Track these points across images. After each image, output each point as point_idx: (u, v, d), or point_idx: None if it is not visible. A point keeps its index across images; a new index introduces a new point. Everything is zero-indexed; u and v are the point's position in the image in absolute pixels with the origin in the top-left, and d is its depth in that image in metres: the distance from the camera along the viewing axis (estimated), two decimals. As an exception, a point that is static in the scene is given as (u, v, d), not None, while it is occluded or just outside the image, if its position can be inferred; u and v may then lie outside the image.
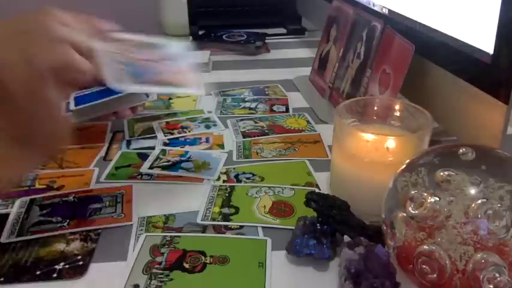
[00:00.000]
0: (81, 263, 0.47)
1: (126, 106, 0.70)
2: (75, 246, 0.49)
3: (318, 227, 0.47)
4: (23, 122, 0.40)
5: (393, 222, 0.42)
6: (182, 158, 0.67)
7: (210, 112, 0.83)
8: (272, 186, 0.59)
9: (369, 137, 0.52)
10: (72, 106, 0.65)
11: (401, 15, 0.69)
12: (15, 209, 0.55)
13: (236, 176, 0.62)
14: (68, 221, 0.53)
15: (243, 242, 0.50)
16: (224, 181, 0.61)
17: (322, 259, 0.46)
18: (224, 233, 0.51)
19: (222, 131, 0.76)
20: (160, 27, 1.42)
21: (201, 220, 0.53)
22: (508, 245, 0.36)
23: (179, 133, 0.75)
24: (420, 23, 0.64)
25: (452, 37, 0.57)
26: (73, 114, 0.67)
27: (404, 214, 0.40)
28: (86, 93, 0.70)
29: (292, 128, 0.76)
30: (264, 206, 0.56)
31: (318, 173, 0.63)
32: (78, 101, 0.66)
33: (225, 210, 0.55)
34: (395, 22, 0.70)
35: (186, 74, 0.57)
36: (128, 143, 0.72)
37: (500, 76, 0.49)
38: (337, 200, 0.48)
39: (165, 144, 0.71)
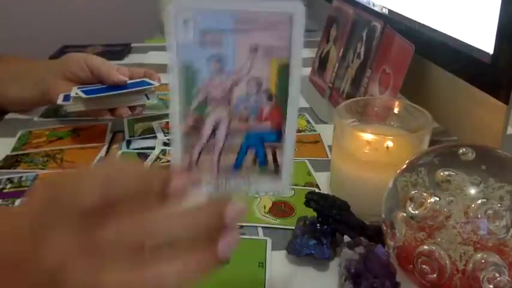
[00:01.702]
0: (81, 263, 0.47)
1: (126, 104, 0.71)
2: (75, 246, 0.49)
3: (318, 227, 0.47)
4: None
5: (393, 222, 0.42)
6: (182, 158, 0.66)
7: (210, 112, 0.83)
8: (272, 186, 0.59)
9: (368, 137, 0.52)
10: (82, 95, 0.67)
11: (401, 15, 0.69)
12: (15, 209, 0.55)
13: (236, 176, 0.62)
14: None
15: (243, 242, 0.50)
16: (224, 181, 0.61)
17: (322, 259, 0.46)
18: (224, 233, 0.51)
19: (222, 131, 0.75)
20: (160, 27, 1.42)
21: (201, 220, 0.53)
22: (508, 245, 0.36)
23: (179, 133, 0.75)
24: (420, 23, 0.64)
25: (452, 37, 0.57)
26: (78, 103, 0.68)
27: (404, 214, 0.40)
28: (93, 87, 0.71)
29: (292, 128, 0.76)
30: (264, 206, 0.55)
31: (318, 173, 0.63)
32: (87, 92, 0.68)
33: (225, 210, 0.55)
34: (395, 22, 0.70)
35: None
36: (128, 143, 0.72)
37: (500, 76, 0.49)
38: (337, 200, 0.48)
39: (165, 144, 0.71)
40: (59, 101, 0.69)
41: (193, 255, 0.30)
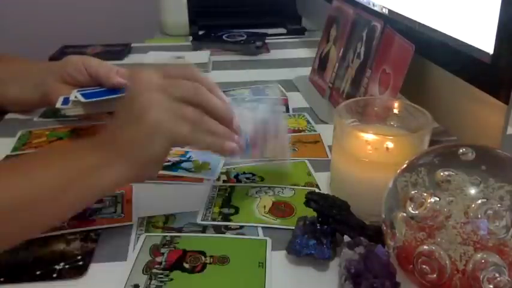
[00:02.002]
0: (81, 263, 0.47)
1: None
2: (75, 246, 0.49)
3: (318, 227, 0.47)
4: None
5: (393, 222, 0.42)
6: (182, 158, 0.67)
7: (210, 112, 0.83)
8: (272, 186, 0.59)
9: (369, 137, 0.52)
10: (81, 99, 0.68)
11: (401, 15, 0.69)
12: (15, 209, 0.55)
13: (236, 176, 0.62)
14: (67, 221, 0.53)
15: (243, 242, 0.50)
16: (224, 181, 0.61)
17: (322, 259, 0.46)
18: (224, 233, 0.51)
19: (222, 131, 0.75)
20: (160, 27, 1.43)
21: (201, 220, 0.53)
22: (508, 245, 0.36)
23: (179, 133, 0.75)
24: (420, 23, 0.64)
25: (452, 37, 0.57)
26: (77, 107, 0.68)
27: (404, 214, 0.40)
28: (92, 90, 0.71)
29: (292, 128, 0.76)
30: (264, 206, 0.55)
31: (318, 173, 0.63)
32: (86, 96, 0.68)
33: (225, 210, 0.55)
34: (395, 22, 0.70)
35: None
36: (128, 143, 0.71)
37: (500, 76, 0.49)
38: (337, 200, 0.48)
39: (165, 144, 0.71)
40: (58, 104, 0.69)
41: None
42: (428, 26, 0.62)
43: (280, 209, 0.55)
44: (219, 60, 1.13)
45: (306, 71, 0.98)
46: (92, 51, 1.15)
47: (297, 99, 0.88)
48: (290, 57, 1.16)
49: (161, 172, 0.63)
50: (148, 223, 0.53)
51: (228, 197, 0.57)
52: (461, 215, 0.38)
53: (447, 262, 0.37)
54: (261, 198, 0.57)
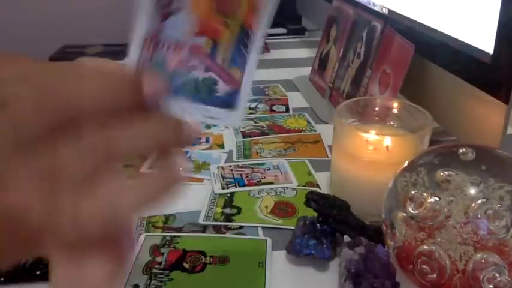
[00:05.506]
0: (81, 263, 0.47)
1: None
2: (75, 246, 0.49)
3: (318, 227, 0.47)
4: None
5: (393, 222, 0.42)
6: (182, 158, 0.67)
7: (210, 112, 0.83)
8: (274, 187, 0.59)
9: (369, 137, 0.52)
10: None
11: (401, 15, 0.69)
12: (15, 209, 0.55)
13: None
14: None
15: (243, 242, 0.50)
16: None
17: (322, 259, 0.46)
18: (224, 233, 0.51)
19: (222, 130, 0.76)
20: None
21: (203, 220, 0.53)
22: (508, 245, 0.36)
23: (179, 133, 0.75)
24: (420, 23, 0.64)
25: (452, 37, 0.57)
26: None
27: (404, 214, 0.40)
28: None
29: (292, 128, 0.76)
30: (266, 207, 0.55)
31: (318, 173, 0.63)
32: None
33: (227, 210, 0.55)
34: (395, 22, 0.70)
35: None
36: (128, 143, 0.71)
37: (500, 76, 0.49)
38: (337, 200, 0.48)
39: (165, 144, 0.71)
40: None
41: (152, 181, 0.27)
42: (428, 26, 0.62)
43: (282, 209, 0.55)
44: (219, 60, 1.13)
45: (306, 71, 0.98)
46: (91, 51, 1.15)
47: (297, 99, 0.88)
48: (290, 57, 1.16)
49: (161, 172, 0.63)
50: (148, 223, 0.53)
51: (230, 198, 0.57)
52: (461, 215, 0.38)
53: (447, 262, 0.37)
54: (263, 198, 0.57)
